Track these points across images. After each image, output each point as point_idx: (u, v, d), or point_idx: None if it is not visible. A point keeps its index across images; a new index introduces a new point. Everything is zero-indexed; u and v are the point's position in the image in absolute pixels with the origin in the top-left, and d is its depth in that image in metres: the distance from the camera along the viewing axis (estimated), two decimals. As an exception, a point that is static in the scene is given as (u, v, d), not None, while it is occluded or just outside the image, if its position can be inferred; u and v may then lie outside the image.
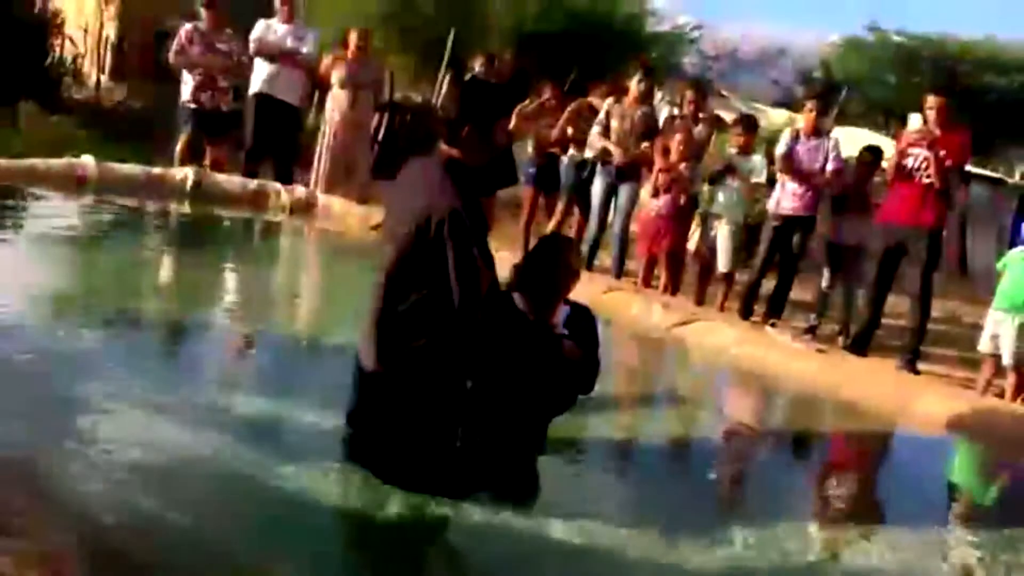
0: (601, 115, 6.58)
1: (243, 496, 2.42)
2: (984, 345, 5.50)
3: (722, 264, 6.54)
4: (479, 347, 2.72)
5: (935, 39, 21.37)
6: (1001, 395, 5.27)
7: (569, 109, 7.02)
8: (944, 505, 3.52)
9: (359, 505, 2.48)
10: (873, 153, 6.76)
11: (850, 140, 9.96)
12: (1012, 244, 5.60)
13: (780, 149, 6.43)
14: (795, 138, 6.42)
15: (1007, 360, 5.34)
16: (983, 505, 3.62)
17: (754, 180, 6.50)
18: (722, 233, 6.49)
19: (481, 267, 2.63)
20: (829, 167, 6.22)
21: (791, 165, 6.32)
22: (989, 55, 21.06)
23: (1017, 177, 17.38)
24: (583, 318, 3.20)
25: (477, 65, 7.82)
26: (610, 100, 6.65)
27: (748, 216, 6.89)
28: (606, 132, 6.54)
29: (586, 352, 3.12)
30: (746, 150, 6.51)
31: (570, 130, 6.94)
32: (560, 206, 7.07)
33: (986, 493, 3.82)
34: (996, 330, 5.40)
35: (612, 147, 6.49)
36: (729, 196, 6.46)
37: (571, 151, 6.96)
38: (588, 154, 6.68)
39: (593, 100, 7.09)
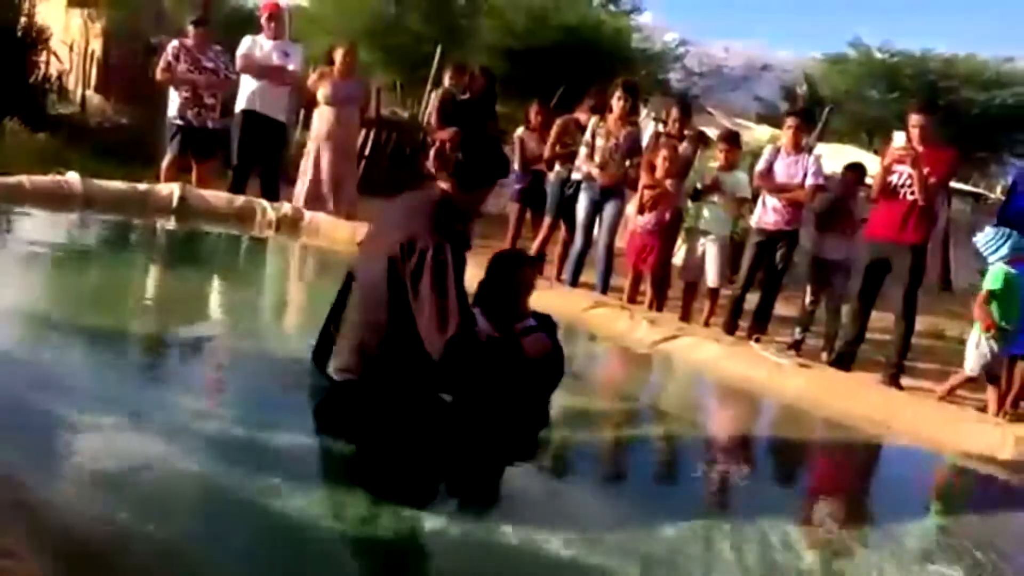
0: (587, 135, 6.61)
1: (228, 512, 2.42)
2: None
3: (712, 280, 6.58)
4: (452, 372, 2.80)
5: (917, 56, 21.59)
6: (984, 409, 5.33)
7: (556, 126, 7.05)
8: (925, 518, 3.54)
9: (343, 521, 2.47)
10: (856, 170, 6.82)
11: (835, 157, 10.05)
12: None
13: (759, 165, 6.50)
14: (775, 154, 6.48)
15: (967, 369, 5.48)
16: (963, 518, 3.63)
17: (739, 195, 6.55)
18: (711, 249, 6.54)
19: (452, 306, 2.73)
20: (809, 182, 6.27)
21: (769, 181, 6.38)
22: (971, 72, 21.28)
23: (998, 192, 17.56)
24: (546, 324, 3.37)
25: (447, 79, 7.86)
26: (595, 119, 6.68)
27: (734, 232, 6.94)
28: (592, 152, 6.58)
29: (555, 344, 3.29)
30: (730, 166, 6.56)
31: (557, 147, 6.97)
32: (546, 223, 7.10)
33: (967, 506, 3.84)
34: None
35: (596, 172, 6.51)
36: (715, 212, 6.51)
37: (557, 167, 6.98)
38: (575, 176, 6.71)
39: (579, 115, 7.12)
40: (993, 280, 5.45)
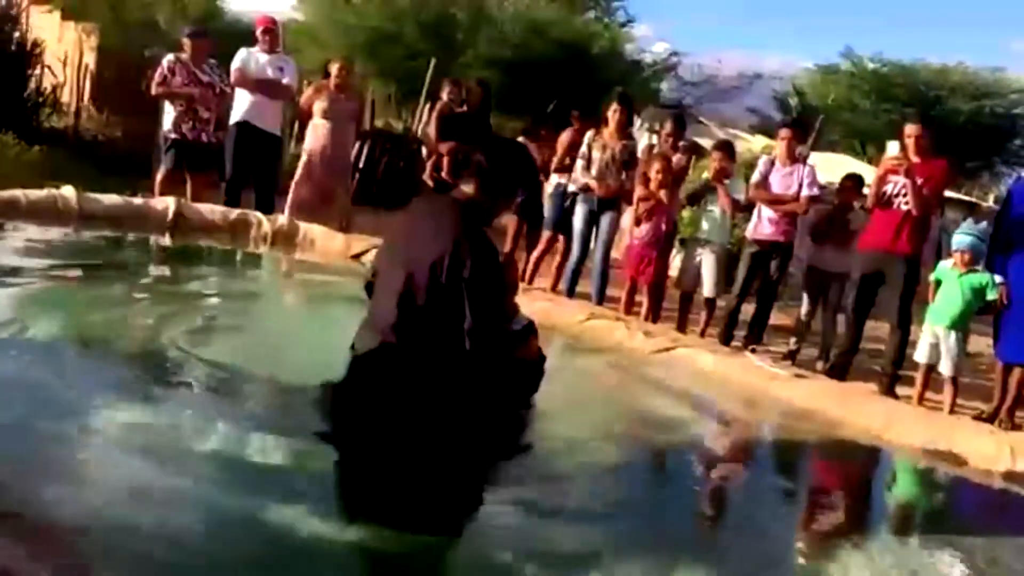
0: (583, 148, 6.64)
1: (230, 529, 2.41)
2: (923, 356, 5.70)
3: (708, 290, 6.58)
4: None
5: (908, 66, 21.70)
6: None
7: (564, 141, 7.05)
8: (921, 527, 3.55)
9: (340, 539, 2.47)
10: (854, 180, 6.83)
11: (830, 166, 10.08)
12: (990, 268, 5.68)
13: (754, 177, 6.51)
14: (770, 165, 6.50)
15: (948, 372, 5.59)
16: (959, 527, 3.64)
17: (737, 196, 6.52)
18: (707, 260, 6.54)
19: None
20: (804, 193, 6.29)
21: (764, 193, 6.40)
22: (962, 82, 21.40)
23: (991, 201, 17.63)
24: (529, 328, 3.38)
25: (444, 92, 7.88)
26: (591, 133, 6.70)
27: (730, 242, 6.96)
28: (589, 165, 6.60)
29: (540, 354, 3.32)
30: (725, 175, 6.56)
31: (566, 160, 6.97)
32: (545, 236, 7.09)
33: (962, 516, 3.85)
34: (935, 342, 5.67)
35: (593, 183, 6.54)
36: (713, 221, 6.53)
37: (556, 179, 7.00)
38: (571, 188, 6.74)
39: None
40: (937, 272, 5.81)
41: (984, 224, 6.35)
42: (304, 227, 6.48)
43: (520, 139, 7.52)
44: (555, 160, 6.99)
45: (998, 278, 5.61)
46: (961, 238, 5.70)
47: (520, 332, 3.21)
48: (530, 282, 6.88)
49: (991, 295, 5.56)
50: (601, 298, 6.58)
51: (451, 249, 2.78)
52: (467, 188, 3.02)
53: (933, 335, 5.67)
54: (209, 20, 15.40)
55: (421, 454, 2.78)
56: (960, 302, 5.58)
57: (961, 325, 5.62)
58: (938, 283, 5.75)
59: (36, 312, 4.08)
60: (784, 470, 4.11)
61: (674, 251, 7.17)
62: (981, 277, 5.59)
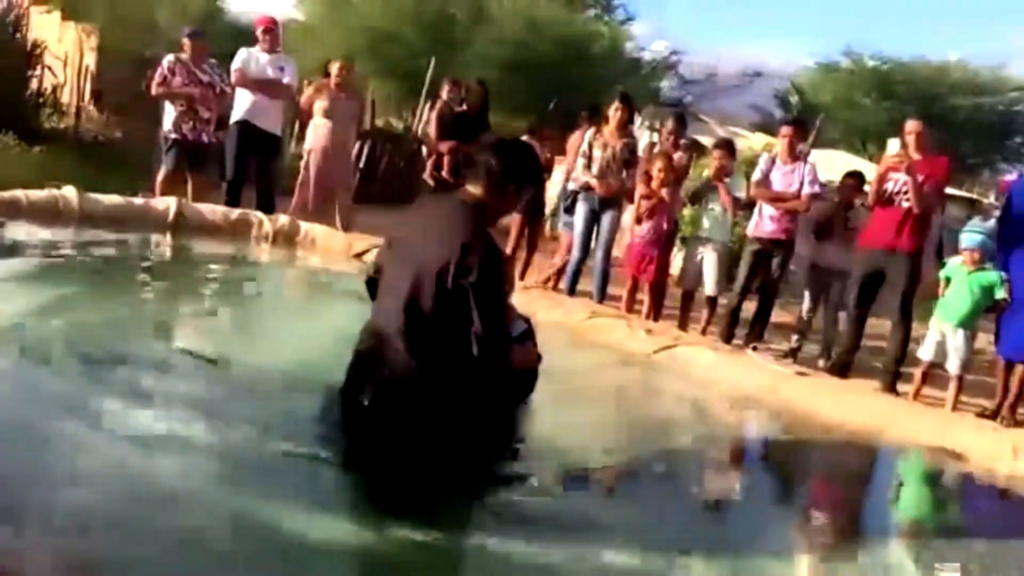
0: (584, 147, 6.64)
1: (228, 531, 2.41)
2: (928, 353, 5.68)
3: (709, 288, 6.58)
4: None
5: (908, 63, 21.69)
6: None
7: (572, 148, 7.05)
8: (922, 525, 3.54)
9: (342, 539, 2.47)
10: (855, 178, 6.82)
11: (831, 164, 10.08)
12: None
13: (755, 175, 6.51)
14: (771, 163, 6.49)
15: (954, 370, 5.57)
16: (961, 525, 3.64)
17: (738, 194, 6.51)
18: (709, 258, 6.54)
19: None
20: (805, 190, 6.28)
21: (765, 191, 6.39)
22: (962, 79, 21.38)
23: (991, 198, 17.62)
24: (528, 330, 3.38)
25: (444, 93, 7.88)
26: (591, 131, 6.70)
27: (731, 240, 6.95)
28: (590, 163, 6.60)
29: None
30: (725, 174, 6.55)
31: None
32: (572, 243, 7.06)
33: (964, 513, 3.84)
34: (940, 339, 5.66)
35: (594, 181, 6.54)
36: (714, 219, 6.52)
37: (563, 181, 7.00)
38: (571, 186, 6.74)
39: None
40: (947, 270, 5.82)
41: (992, 222, 6.33)
42: (305, 226, 6.47)
43: (525, 138, 7.55)
44: (567, 162, 6.99)
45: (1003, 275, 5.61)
46: (970, 236, 5.68)
47: (519, 337, 3.20)
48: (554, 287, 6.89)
49: (999, 293, 5.53)
50: (602, 297, 6.58)
51: (458, 253, 2.76)
52: (474, 189, 2.98)
53: (940, 333, 5.66)
54: (209, 20, 15.40)
55: (424, 455, 2.78)
56: (969, 300, 5.57)
57: (969, 323, 5.60)
58: (947, 281, 5.73)
59: (34, 310, 4.08)
60: (785, 468, 4.10)
61: (675, 249, 7.17)
62: (990, 275, 5.57)
